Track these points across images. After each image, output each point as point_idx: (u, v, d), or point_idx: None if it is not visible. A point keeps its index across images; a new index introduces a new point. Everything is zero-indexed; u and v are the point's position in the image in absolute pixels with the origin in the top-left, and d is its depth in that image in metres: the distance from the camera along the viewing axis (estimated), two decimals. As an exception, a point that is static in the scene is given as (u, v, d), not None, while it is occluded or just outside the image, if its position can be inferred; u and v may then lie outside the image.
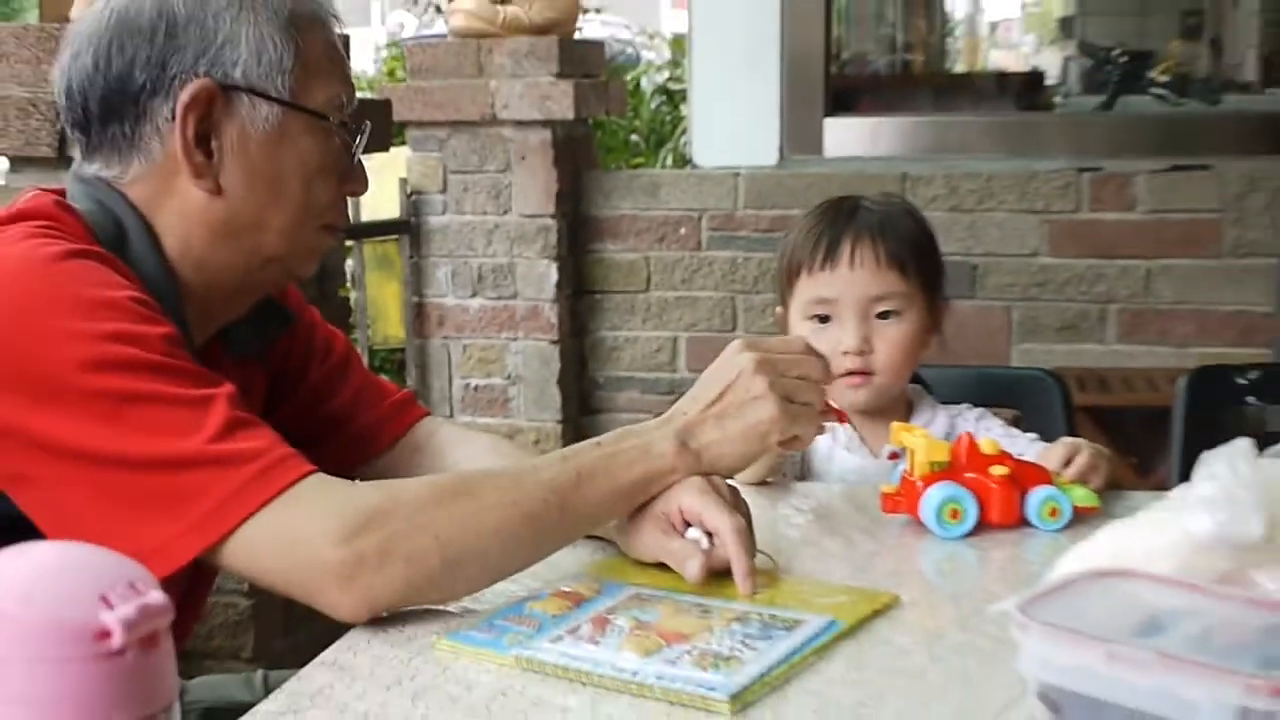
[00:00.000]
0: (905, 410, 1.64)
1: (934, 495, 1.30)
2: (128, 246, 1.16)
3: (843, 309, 1.59)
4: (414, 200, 3.61)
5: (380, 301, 3.75)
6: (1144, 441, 3.04)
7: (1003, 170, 3.45)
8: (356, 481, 1.11)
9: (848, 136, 3.75)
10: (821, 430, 1.23)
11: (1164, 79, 4.56)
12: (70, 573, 0.59)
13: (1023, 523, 1.32)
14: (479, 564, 1.07)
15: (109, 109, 1.16)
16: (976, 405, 1.68)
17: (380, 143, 2.49)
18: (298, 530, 1.02)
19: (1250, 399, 1.85)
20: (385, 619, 1.08)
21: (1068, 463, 1.38)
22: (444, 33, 3.76)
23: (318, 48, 1.20)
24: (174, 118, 1.14)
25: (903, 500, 1.33)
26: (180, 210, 1.18)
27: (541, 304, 3.55)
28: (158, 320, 1.08)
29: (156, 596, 0.59)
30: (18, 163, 2.18)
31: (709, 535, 1.13)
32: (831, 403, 1.25)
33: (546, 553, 1.13)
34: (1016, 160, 3.55)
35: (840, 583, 1.16)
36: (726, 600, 1.09)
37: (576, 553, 1.21)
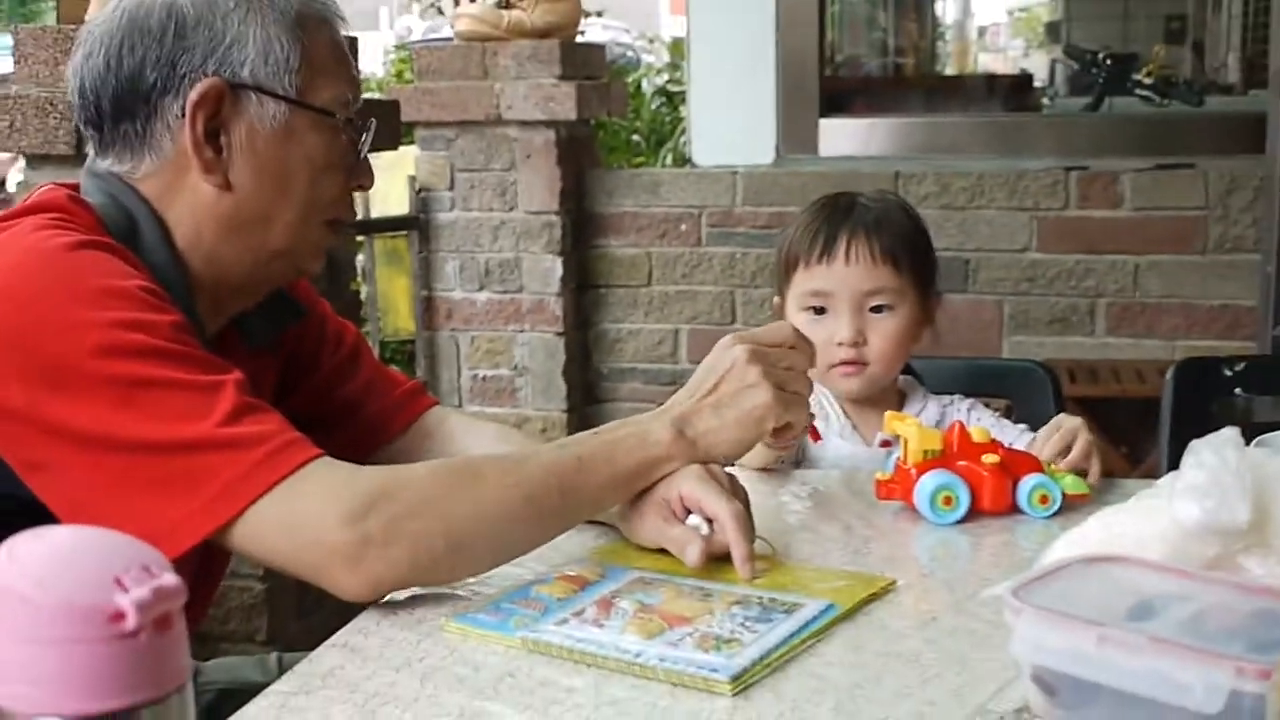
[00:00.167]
0: (898, 400, 1.67)
1: (927, 482, 1.32)
2: (139, 239, 1.17)
3: (838, 302, 1.62)
4: (423, 197, 3.69)
5: (390, 295, 3.82)
6: (1132, 431, 3.08)
7: (993, 169, 3.48)
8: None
9: (842, 136, 3.79)
10: (811, 418, 1.27)
11: (1148, 81, 4.59)
12: (84, 556, 0.60)
13: (1014, 510, 1.34)
14: (482, 545, 1.09)
15: (121, 107, 1.18)
16: (969, 396, 1.71)
17: (389, 142, 2.51)
18: (305, 512, 1.04)
19: (1237, 390, 1.87)
20: (395, 603, 1.10)
21: (1066, 450, 1.40)
22: (450, 36, 3.81)
23: (323, 47, 1.21)
24: (184, 115, 1.16)
25: (897, 487, 1.35)
26: (190, 204, 1.19)
27: (547, 297, 3.62)
28: (166, 309, 1.09)
29: (170, 579, 0.60)
30: (36, 160, 2.19)
31: (709, 521, 1.15)
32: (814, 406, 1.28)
33: (548, 536, 1.15)
34: (1006, 159, 3.59)
35: (838, 567, 1.18)
36: (727, 584, 1.11)
37: (581, 538, 1.23)
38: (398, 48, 7.16)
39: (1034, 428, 1.54)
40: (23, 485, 1.06)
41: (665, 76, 6.20)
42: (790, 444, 1.35)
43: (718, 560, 1.14)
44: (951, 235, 3.43)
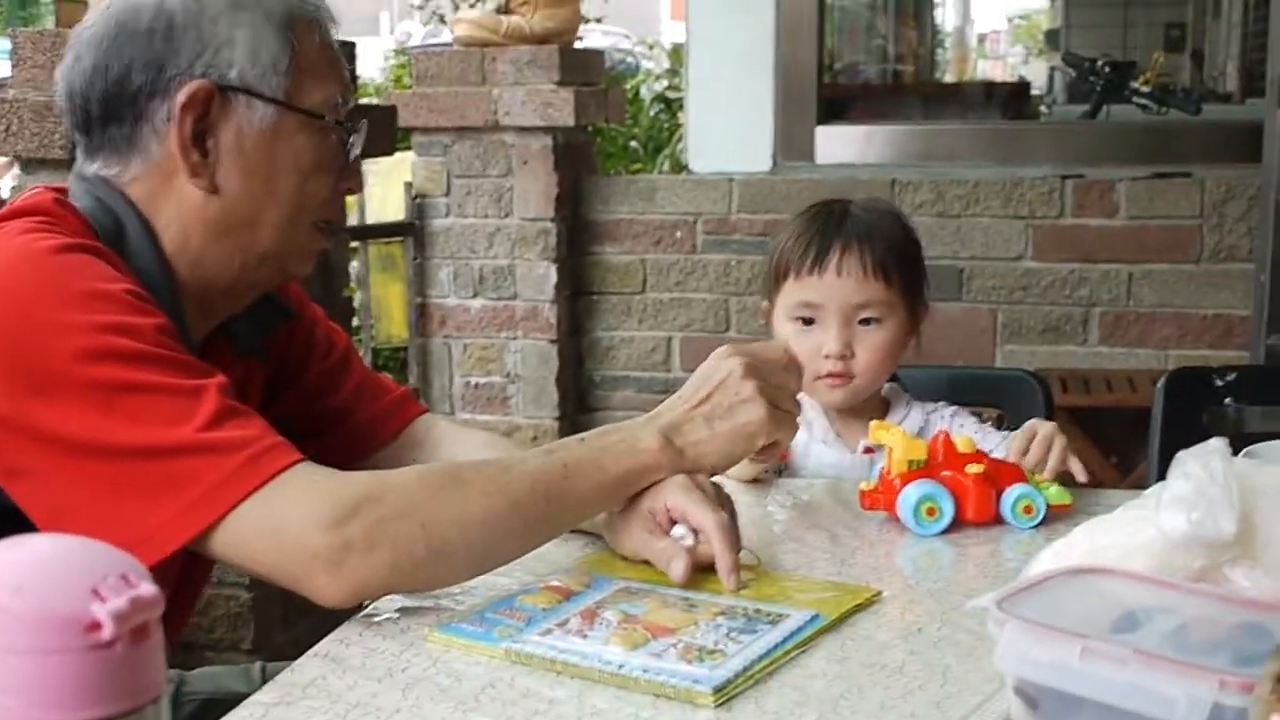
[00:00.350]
0: (881, 407, 1.67)
1: (911, 493, 1.32)
2: (126, 243, 1.17)
3: (827, 314, 1.61)
4: (418, 203, 3.69)
5: (384, 301, 3.83)
6: (1124, 441, 3.07)
7: (989, 177, 3.49)
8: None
9: (839, 144, 3.79)
10: (795, 429, 1.27)
11: (1146, 89, 4.60)
12: (62, 565, 0.59)
13: (998, 520, 1.34)
14: (465, 552, 1.08)
15: (109, 110, 1.18)
16: (961, 405, 1.70)
17: (385, 147, 2.51)
18: (285, 516, 1.03)
19: (1228, 400, 1.87)
20: (379, 613, 1.09)
21: (1031, 449, 1.40)
22: (449, 42, 3.82)
23: (313, 49, 1.21)
24: (171, 118, 1.16)
25: (880, 498, 1.35)
26: (178, 208, 1.19)
27: (541, 304, 3.62)
28: (151, 312, 1.09)
29: (148, 589, 0.59)
30: (31, 165, 2.18)
31: (694, 532, 1.15)
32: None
33: (533, 544, 1.14)
34: (1002, 167, 3.58)
35: (822, 578, 1.18)
36: (712, 595, 1.10)
37: (566, 547, 1.23)
38: (397, 53, 7.17)
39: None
40: (2, 493, 1.05)
41: (664, 83, 6.21)
42: (769, 460, 1.36)
43: (703, 570, 1.13)
44: (946, 243, 3.43)
